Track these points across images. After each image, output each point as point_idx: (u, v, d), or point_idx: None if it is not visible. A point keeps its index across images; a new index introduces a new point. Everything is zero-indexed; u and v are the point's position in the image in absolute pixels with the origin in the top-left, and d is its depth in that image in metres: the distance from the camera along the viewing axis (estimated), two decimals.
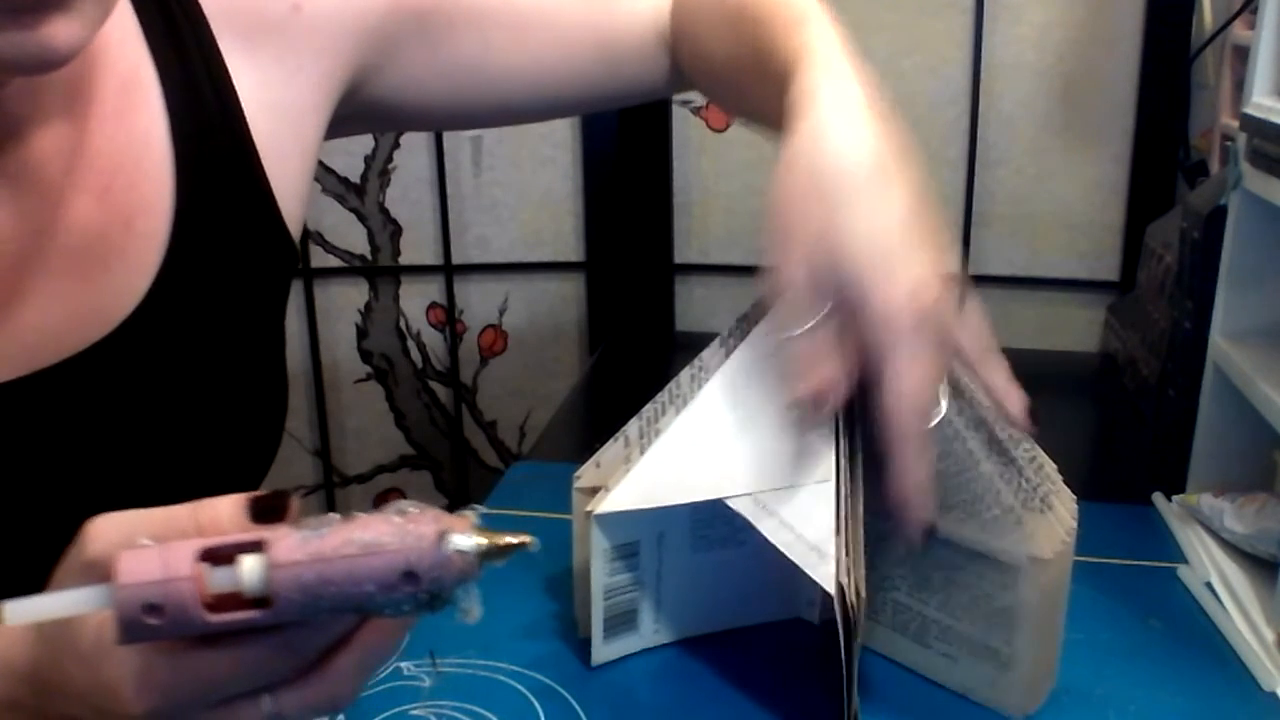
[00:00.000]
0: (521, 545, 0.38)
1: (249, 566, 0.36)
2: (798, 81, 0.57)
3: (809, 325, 0.53)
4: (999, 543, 0.56)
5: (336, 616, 0.38)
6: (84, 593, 0.36)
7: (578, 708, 0.61)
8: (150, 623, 0.35)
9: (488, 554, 0.37)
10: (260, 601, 0.36)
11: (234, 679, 0.38)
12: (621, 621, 0.64)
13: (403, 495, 1.41)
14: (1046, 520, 0.57)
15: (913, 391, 0.51)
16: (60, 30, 0.45)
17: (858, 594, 0.53)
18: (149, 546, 0.36)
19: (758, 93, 0.65)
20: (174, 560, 0.35)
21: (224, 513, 0.38)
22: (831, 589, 0.52)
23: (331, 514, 0.37)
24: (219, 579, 0.36)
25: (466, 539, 0.37)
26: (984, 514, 0.56)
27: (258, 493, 0.39)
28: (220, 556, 0.36)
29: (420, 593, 0.36)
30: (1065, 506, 0.58)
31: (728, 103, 0.76)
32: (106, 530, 0.39)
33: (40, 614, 0.37)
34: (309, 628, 0.38)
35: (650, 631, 0.65)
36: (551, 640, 0.66)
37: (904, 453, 0.52)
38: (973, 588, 0.58)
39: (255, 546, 0.36)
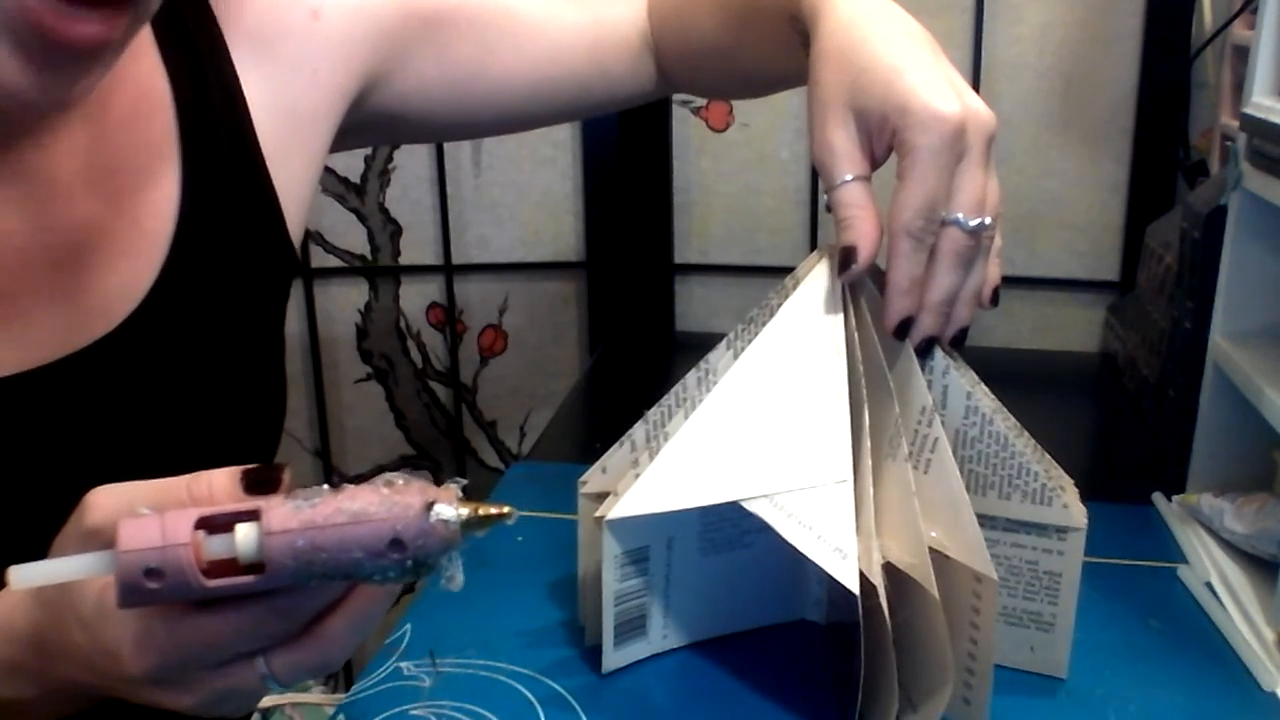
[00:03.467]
0: (501, 516, 0.40)
1: (244, 534, 0.37)
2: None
3: (848, 178, 0.55)
4: (1048, 510, 0.59)
5: (326, 583, 0.39)
6: (86, 558, 0.38)
7: (579, 709, 0.61)
8: (150, 587, 0.37)
9: (470, 523, 0.39)
10: (254, 567, 0.37)
11: (229, 642, 0.40)
12: (631, 627, 0.63)
13: None
14: (1069, 495, 0.60)
15: (924, 192, 0.53)
16: (85, 78, 0.46)
17: (925, 576, 0.53)
18: (149, 515, 0.38)
19: (758, 47, 0.66)
20: (173, 527, 0.37)
21: (218, 484, 0.40)
22: (855, 588, 0.52)
23: (322, 485, 0.39)
24: (215, 546, 0.37)
25: (450, 509, 0.38)
26: (1029, 485, 0.59)
27: (251, 465, 0.40)
28: (217, 524, 0.38)
29: (406, 560, 0.38)
30: (1070, 489, 0.61)
31: (723, 78, 0.77)
32: (105, 500, 0.40)
33: (45, 578, 0.38)
34: (301, 593, 0.39)
35: (659, 637, 0.65)
36: (555, 642, 0.66)
37: (895, 248, 0.54)
38: (1010, 560, 0.61)
39: (250, 515, 0.38)
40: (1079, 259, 1.26)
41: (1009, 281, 1.26)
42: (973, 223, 0.54)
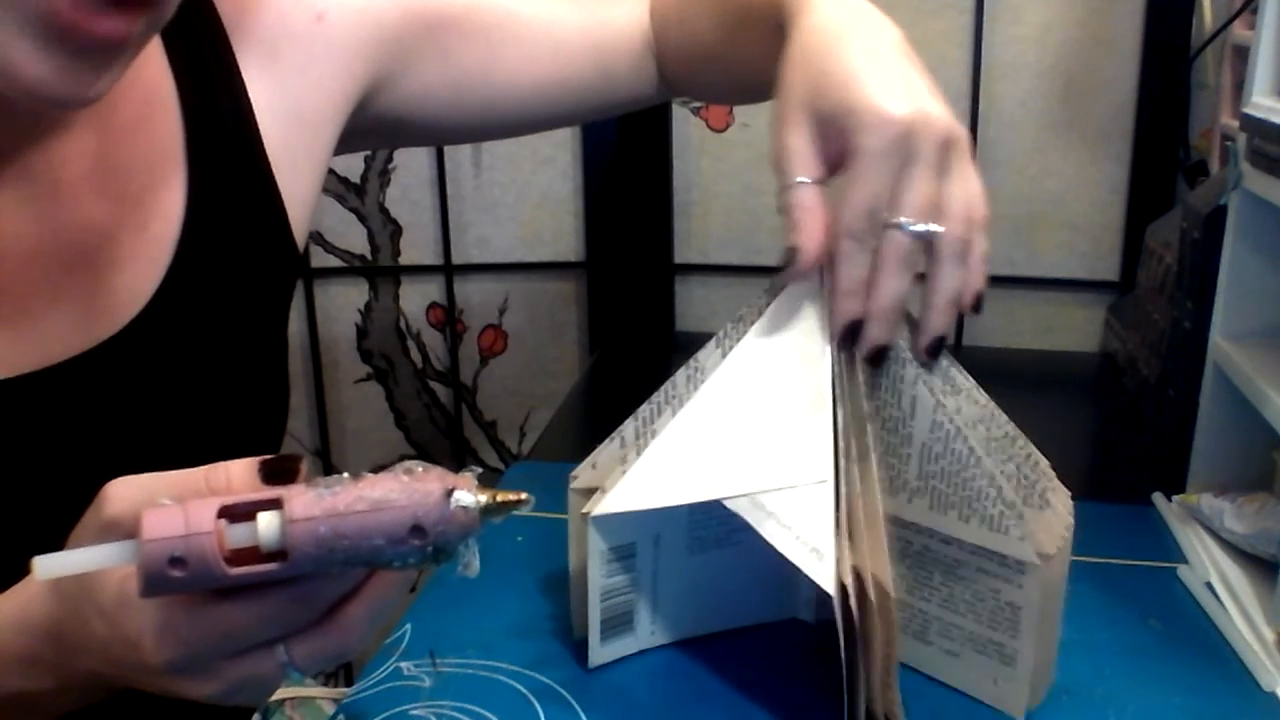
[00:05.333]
0: (520, 502, 0.40)
1: (266, 522, 0.38)
2: (790, 2, 0.59)
3: (801, 180, 0.54)
4: (1004, 539, 0.56)
5: (347, 569, 0.39)
6: (110, 548, 0.38)
7: (578, 708, 0.61)
8: (173, 575, 0.37)
9: (489, 510, 0.39)
10: (276, 555, 0.38)
11: (250, 629, 0.40)
12: (618, 623, 0.64)
13: None
14: (1046, 516, 0.57)
15: (866, 194, 0.52)
16: (103, 78, 0.47)
17: (880, 590, 0.52)
18: (171, 505, 0.38)
19: (752, 50, 0.66)
20: (196, 516, 0.37)
21: (236, 474, 0.40)
22: (831, 589, 0.52)
23: (341, 474, 0.39)
24: (238, 534, 0.38)
25: (469, 495, 0.39)
26: (987, 510, 0.56)
27: (268, 456, 0.40)
28: (239, 513, 0.38)
29: (427, 546, 0.39)
30: (1062, 503, 0.59)
31: (721, 82, 0.77)
32: (125, 491, 0.40)
33: (68, 568, 0.38)
34: (321, 580, 0.40)
35: (647, 633, 0.65)
36: (551, 641, 0.66)
37: (837, 250, 0.53)
38: (975, 584, 0.58)
39: (272, 504, 0.38)
40: (1079, 259, 1.26)
41: (1009, 282, 1.27)
42: (916, 228, 0.53)
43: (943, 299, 0.55)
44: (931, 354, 0.56)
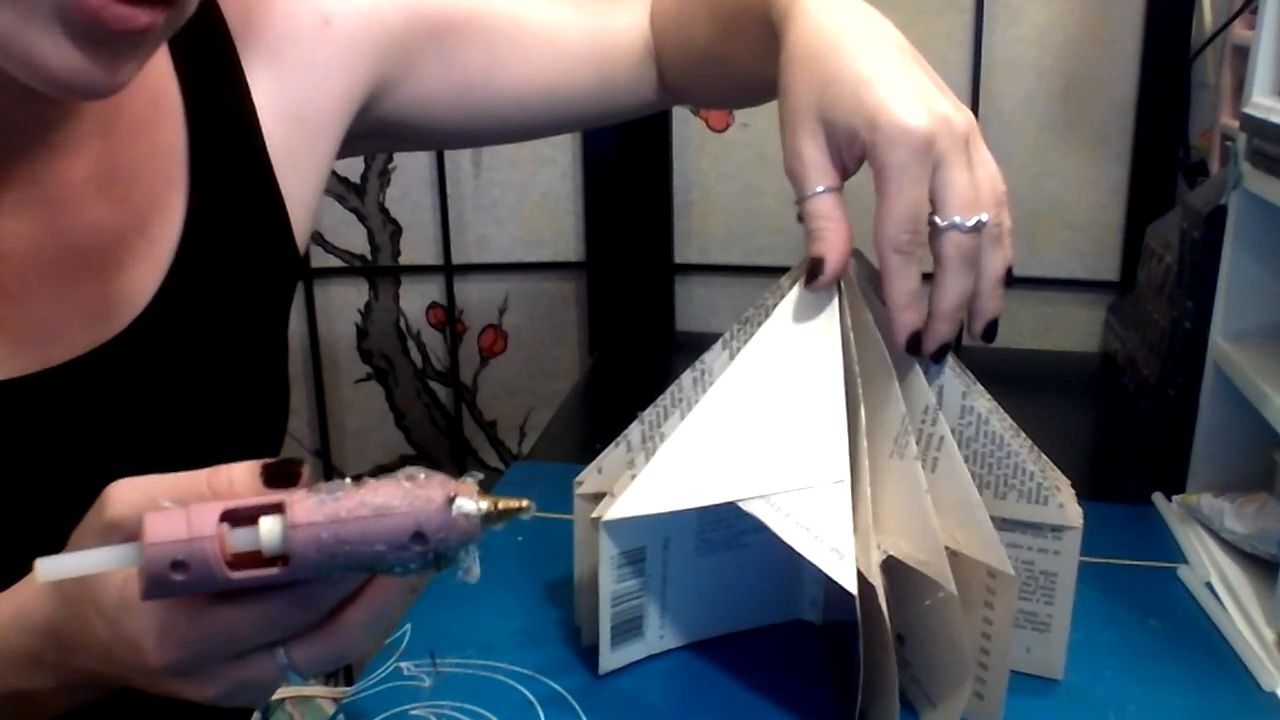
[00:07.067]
0: (521, 509, 0.41)
1: (268, 527, 0.38)
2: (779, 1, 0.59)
3: (819, 189, 0.55)
4: (1044, 509, 0.59)
5: (348, 574, 0.40)
6: (112, 551, 0.39)
7: (579, 710, 0.61)
8: (175, 579, 0.37)
9: (490, 517, 0.40)
10: (278, 560, 0.38)
11: (251, 632, 0.41)
12: (628, 628, 0.63)
13: None
14: (1065, 493, 0.59)
15: (902, 207, 0.52)
16: (126, 68, 0.47)
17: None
18: (173, 508, 0.38)
19: (745, 51, 0.66)
20: (198, 520, 0.38)
21: (238, 477, 0.40)
22: (852, 588, 0.52)
23: (344, 478, 0.39)
24: (240, 538, 0.38)
25: (471, 502, 0.39)
26: (1025, 485, 0.58)
27: (270, 459, 0.40)
28: (241, 517, 0.38)
29: (428, 552, 0.39)
30: (1067, 488, 0.60)
31: (718, 86, 0.76)
32: (126, 494, 0.41)
33: (71, 570, 0.39)
34: (322, 584, 0.40)
35: (655, 638, 0.65)
36: (555, 642, 0.66)
37: (885, 265, 0.54)
38: (1009, 559, 0.60)
39: (274, 508, 0.38)
40: (1079, 259, 1.26)
41: (1009, 281, 1.27)
42: (970, 222, 0.53)
43: (992, 281, 0.55)
44: (987, 337, 0.57)
